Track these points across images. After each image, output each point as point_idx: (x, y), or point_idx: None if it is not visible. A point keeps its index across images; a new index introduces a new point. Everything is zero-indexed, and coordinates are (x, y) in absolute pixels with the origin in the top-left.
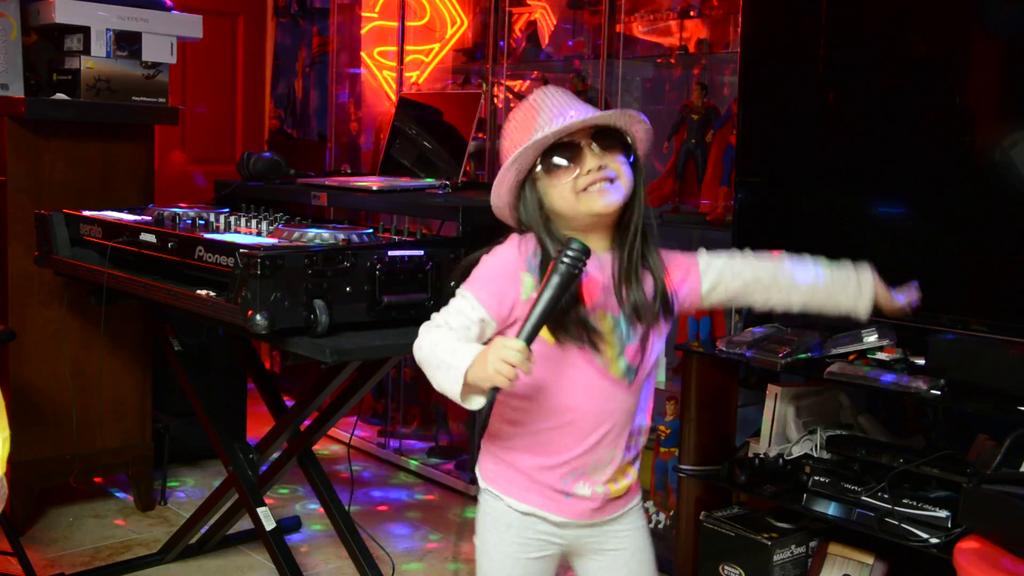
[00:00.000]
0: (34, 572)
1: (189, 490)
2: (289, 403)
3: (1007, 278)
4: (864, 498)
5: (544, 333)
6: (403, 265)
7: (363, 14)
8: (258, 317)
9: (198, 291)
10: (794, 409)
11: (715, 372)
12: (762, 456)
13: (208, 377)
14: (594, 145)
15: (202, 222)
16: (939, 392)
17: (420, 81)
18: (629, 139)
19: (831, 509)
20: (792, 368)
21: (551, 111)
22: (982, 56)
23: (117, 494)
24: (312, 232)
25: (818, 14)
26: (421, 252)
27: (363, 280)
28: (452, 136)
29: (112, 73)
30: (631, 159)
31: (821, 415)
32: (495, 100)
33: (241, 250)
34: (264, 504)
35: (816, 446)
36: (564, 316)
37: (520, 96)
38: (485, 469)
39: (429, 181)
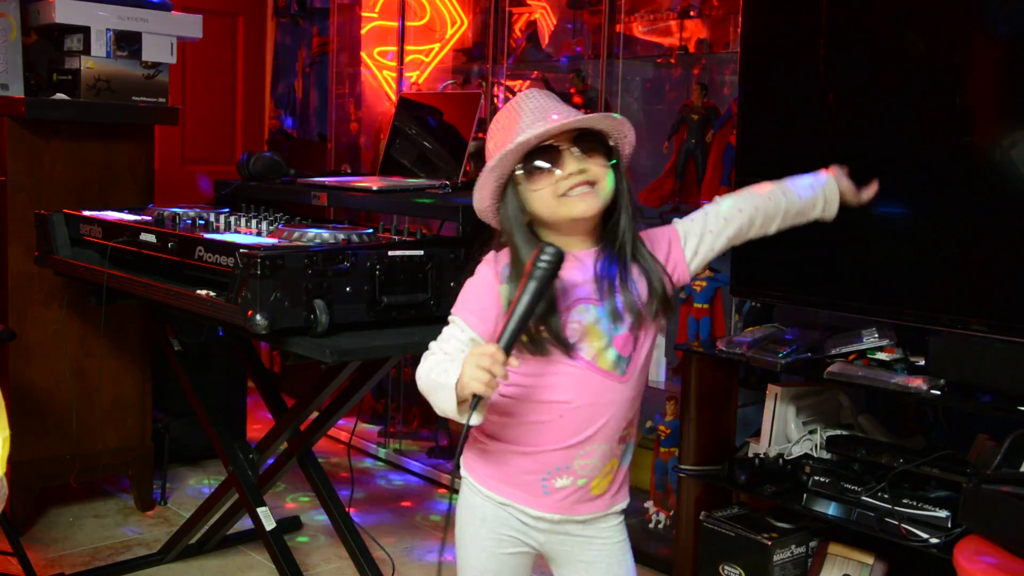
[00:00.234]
0: (34, 572)
1: (189, 490)
2: (289, 403)
3: (1007, 278)
4: (864, 498)
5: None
6: (403, 265)
7: (363, 14)
8: (258, 317)
9: (198, 291)
10: (794, 409)
11: (715, 372)
12: (762, 456)
13: (208, 377)
14: (575, 149)
15: (202, 222)
16: (939, 392)
17: (420, 81)
18: (611, 142)
19: (831, 509)
20: (792, 368)
21: (533, 114)
22: (982, 56)
23: (117, 494)
24: (312, 232)
25: (818, 14)
26: (421, 252)
27: (363, 280)
28: (452, 136)
29: (112, 73)
30: (614, 162)
31: (821, 415)
32: (495, 100)
33: (241, 250)
34: (264, 504)
35: (816, 446)
36: (537, 327)
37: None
38: (468, 459)
39: (429, 181)
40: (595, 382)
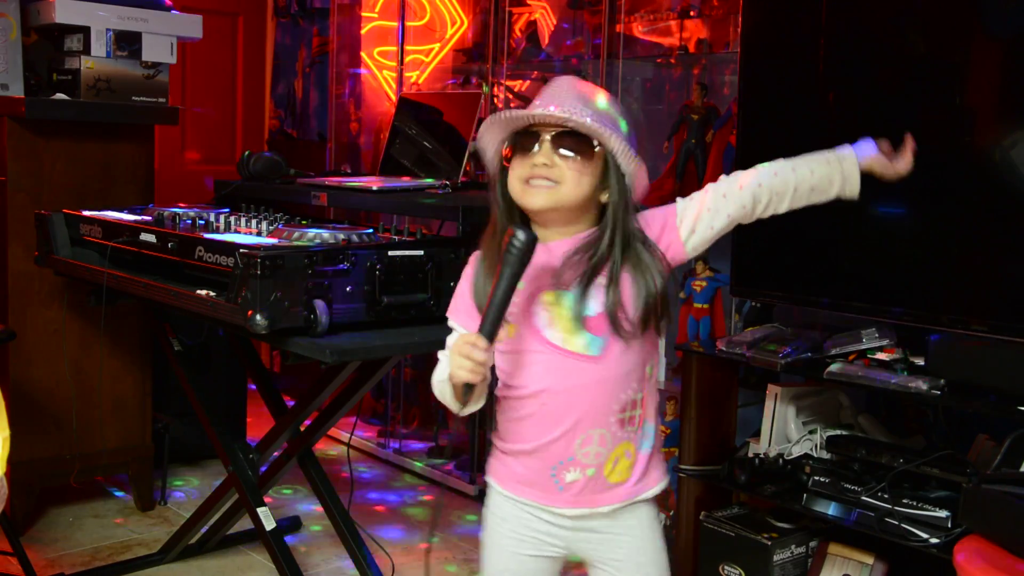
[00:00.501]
0: (34, 572)
1: (189, 490)
2: (289, 403)
3: (1007, 278)
4: (864, 498)
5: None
6: (403, 265)
7: (363, 14)
8: (258, 317)
9: (198, 291)
10: (794, 409)
11: (715, 372)
12: (762, 456)
13: (208, 377)
14: (552, 143)
15: (202, 222)
16: (939, 392)
17: (420, 81)
18: (596, 145)
19: (831, 509)
20: (792, 368)
21: (544, 98)
22: (982, 56)
23: (117, 494)
24: (312, 232)
25: (818, 14)
26: (421, 252)
27: (363, 280)
28: (452, 136)
29: (112, 73)
30: (608, 171)
31: (821, 415)
32: (495, 100)
33: (241, 250)
34: (264, 504)
35: (816, 446)
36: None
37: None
38: (489, 463)
39: (429, 181)
40: (567, 366)
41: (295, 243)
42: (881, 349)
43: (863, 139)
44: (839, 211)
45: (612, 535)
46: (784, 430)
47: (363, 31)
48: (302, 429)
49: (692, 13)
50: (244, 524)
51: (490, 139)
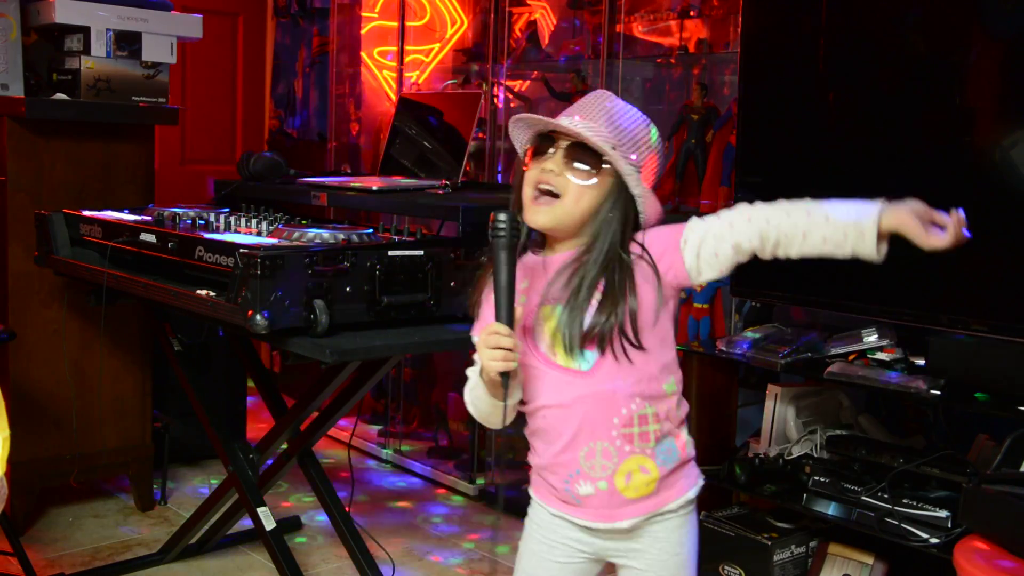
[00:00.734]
0: (34, 572)
1: (189, 490)
2: (289, 403)
3: (1007, 278)
4: (864, 498)
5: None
6: (403, 265)
7: (363, 14)
8: (258, 317)
9: (198, 291)
10: (794, 409)
11: (715, 372)
12: (762, 456)
13: (208, 377)
14: (565, 152)
15: (202, 222)
16: (939, 392)
17: (420, 81)
18: (607, 162)
19: (831, 509)
20: (792, 368)
21: (573, 108)
22: (982, 56)
23: (117, 494)
24: (312, 232)
25: (818, 14)
26: (421, 252)
27: (363, 280)
28: (452, 136)
29: (112, 73)
30: (617, 190)
31: (821, 415)
32: (495, 100)
33: (241, 250)
34: (264, 504)
35: (816, 446)
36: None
37: (520, 96)
38: (531, 475)
39: (429, 181)
40: (556, 380)
41: (295, 243)
42: (881, 349)
43: (908, 199)
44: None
45: (637, 544)
46: (784, 430)
47: (363, 31)
48: (302, 429)
49: (692, 13)
50: (244, 524)
51: (518, 135)
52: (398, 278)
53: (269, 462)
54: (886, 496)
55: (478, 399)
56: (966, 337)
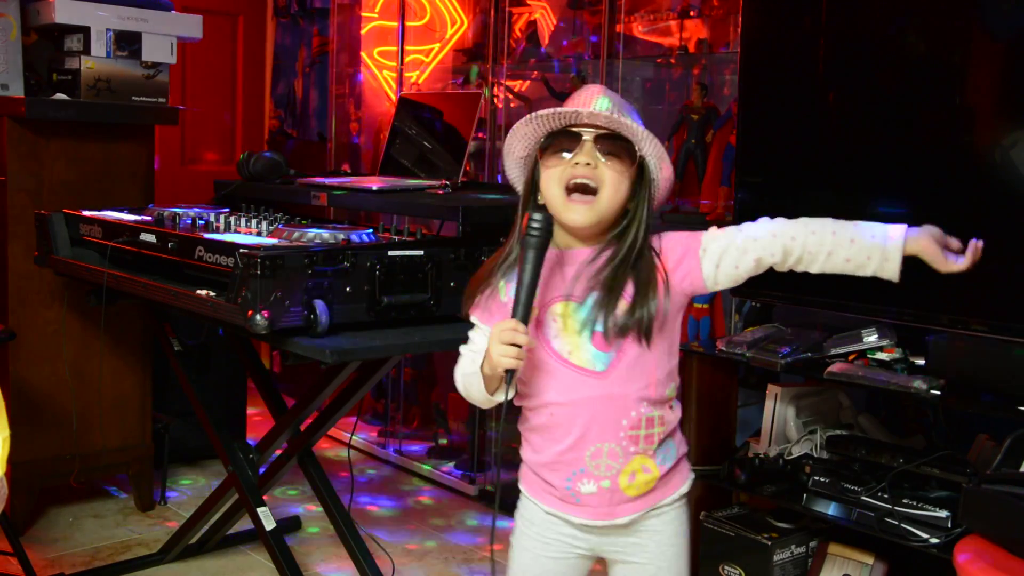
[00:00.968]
0: (34, 572)
1: (189, 490)
2: (289, 403)
3: (1007, 278)
4: (864, 498)
5: None
6: (403, 265)
7: (363, 14)
8: (258, 317)
9: (198, 291)
10: (794, 409)
11: (715, 372)
12: (762, 456)
13: (208, 377)
14: (595, 144)
15: (202, 222)
16: (939, 392)
17: (420, 81)
18: (639, 151)
19: (831, 509)
20: (792, 368)
21: (579, 100)
22: (982, 56)
23: (117, 494)
24: (312, 232)
25: (818, 14)
26: (421, 252)
27: (363, 280)
28: (452, 136)
29: (112, 73)
30: (641, 174)
31: (821, 415)
32: (495, 100)
33: (241, 250)
34: (264, 504)
35: (816, 446)
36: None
37: (520, 96)
38: (521, 471)
39: (429, 181)
40: (571, 378)
41: (295, 243)
42: (881, 349)
43: (926, 225)
44: (839, 211)
45: (636, 539)
46: (784, 430)
47: (363, 31)
48: (302, 429)
49: (692, 13)
50: (244, 524)
51: (521, 139)
52: (398, 278)
53: (269, 462)
54: (886, 496)
55: (471, 386)
56: (966, 337)
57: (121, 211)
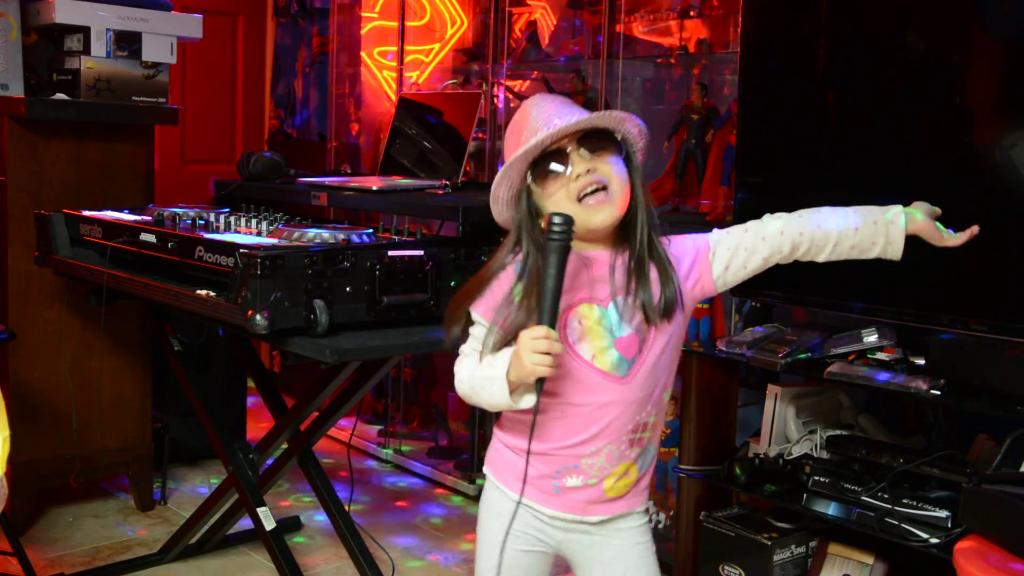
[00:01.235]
0: (34, 572)
1: (189, 490)
2: (289, 403)
3: (1007, 278)
4: (864, 498)
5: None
6: (403, 265)
7: (363, 14)
8: (258, 317)
9: (198, 291)
10: (794, 409)
11: (715, 372)
12: (762, 456)
13: (208, 377)
14: (581, 149)
15: (202, 222)
16: (939, 392)
17: (420, 81)
18: (619, 136)
19: (831, 509)
20: (792, 368)
21: (536, 122)
22: (982, 56)
23: (117, 494)
24: (312, 232)
25: (818, 14)
26: (421, 252)
27: (363, 280)
28: (452, 136)
29: (112, 73)
30: (625, 157)
31: (821, 415)
32: (495, 100)
33: (241, 250)
34: (264, 504)
35: (816, 446)
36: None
37: (520, 96)
38: (489, 455)
39: (429, 181)
40: (593, 382)
41: (295, 243)
42: (881, 349)
43: (916, 202)
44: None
45: (603, 537)
46: (784, 430)
47: (363, 31)
48: (302, 429)
49: (692, 13)
50: (244, 524)
51: (506, 185)
52: (398, 278)
53: (269, 462)
54: (886, 496)
55: (483, 389)
56: (966, 337)
57: (121, 211)
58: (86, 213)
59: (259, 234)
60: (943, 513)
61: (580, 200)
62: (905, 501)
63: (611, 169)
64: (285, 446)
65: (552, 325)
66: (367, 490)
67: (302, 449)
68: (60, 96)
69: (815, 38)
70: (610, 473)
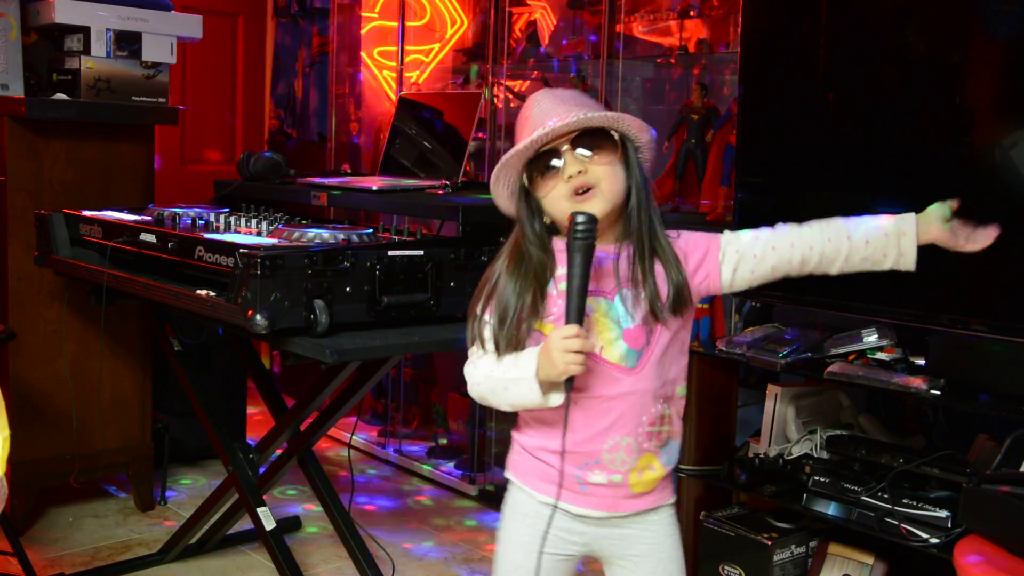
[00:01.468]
0: (34, 572)
1: (189, 490)
2: (289, 403)
3: (1007, 278)
4: (864, 498)
5: (546, 326)
6: (403, 265)
7: (363, 14)
8: (258, 317)
9: (198, 291)
10: (794, 409)
11: (715, 372)
12: (762, 456)
13: (208, 377)
14: (577, 149)
15: (202, 222)
16: (939, 392)
17: (420, 81)
18: (615, 135)
19: (831, 509)
20: (792, 368)
21: (535, 120)
22: (982, 56)
23: (117, 494)
24: (312, 232)
25: (818, 14)
26: (421, 252)
27: (363, 280)
28: (452, 136)
29: (112, 73)
30: (625, 153)
31: (821, 415)
32: (495, 100)
33: (241, 250)
34: (264, 504)
35: (816, 446)
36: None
37: (520, 96)
38: (510, 459)
39: (429, 181)
40: (602, 374)
41: (295, 243)
42: (881, 349)
43: (931, 206)
44: (839, 211)
45: (634, 531)
46: (784, 430)
47: (363, 31)
48: (302, 429)
49: (692, 13)
50: (244, 524)
51: (504, 181)
52: (398, 278)
53: (269, 462)
54: (886, 496)
55: (504, 391)
56: (966, 337)
57: (121, 211)
58: (86, 213)
59: (259, 234)
60: (943, 513)
61: (572, 199)
62: (905, 501)
63: (603, 170)
64: (285, 446)
65: (580, 323)
66: (367, 490)
67: (302, 449)
68: (60, 96)
69: (815, 38)
70: (633, 467)
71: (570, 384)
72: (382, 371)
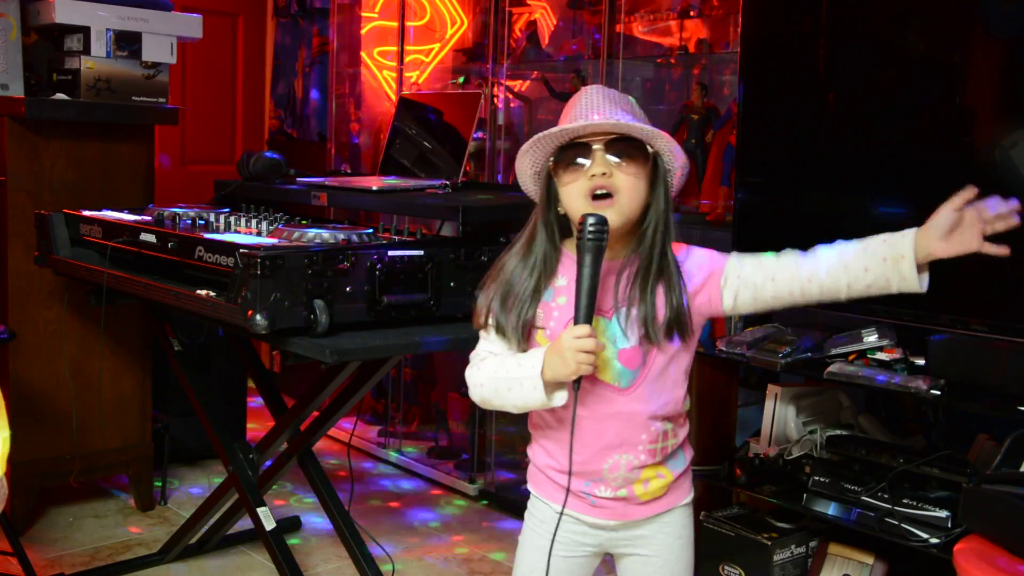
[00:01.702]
0: (34, 572)
1: (189, 490)
2: (289, 403)
3: (1007, 278)
4: (864, 498)
5: (540, 338)
6: (403, 265)
7: (363, 14)
8: (258, 317)
9: (198, 291)
10: (794, 409)
11: (715, 372)
12: (762, 456)
13: (208, 377)
14: (608, 153)
15: (202, 222)
16: (939, 392)
17: (420, 81)
18: (650, 150)
19: (831, 509)
20: (792, 368)
21: (580, 109)
22: (982, 56)
23: (117, 494)
24: (312, 232)
25: (818, 14)
26: (421, 252)
27: (363, 280)
28: (452, 136)
29: (112, 73)
30: (654, 171)
31: (821, 415)
32: (495, 100)
33: (241, 250)
34: (264, 504)
35: (816, 446)
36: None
37: (520, 96)
38: (528, 472)
39: (429, 181)
40: (596, 393)
41: (295, 243)
42: (881, 349)
43: (929, 220)
44: (839, 211)
45: (647, 532)
46: (784, 430)
47: (363, 31)
48: (302, 429)
49: (692, 13)
50: (244, 524)
51: (531, 159)
52: (398, 278)
53: (269, 462)
54: (886, 496)
55: (509, 391)
56: (966, 337)
57: (121, 211)
58: (86, 213)
59: (259, 234)
60: (943, 513)
61: (590, 197)
62: (905, 501)
63: (628, 180)
64: (285, 446)
65: (589, 323)
66: (367, 490)
67: (302, 449)
68: (60, 96)
69: (815, 38)
70: (637, 480)
71: (578, 384)
72: (382, 371)
